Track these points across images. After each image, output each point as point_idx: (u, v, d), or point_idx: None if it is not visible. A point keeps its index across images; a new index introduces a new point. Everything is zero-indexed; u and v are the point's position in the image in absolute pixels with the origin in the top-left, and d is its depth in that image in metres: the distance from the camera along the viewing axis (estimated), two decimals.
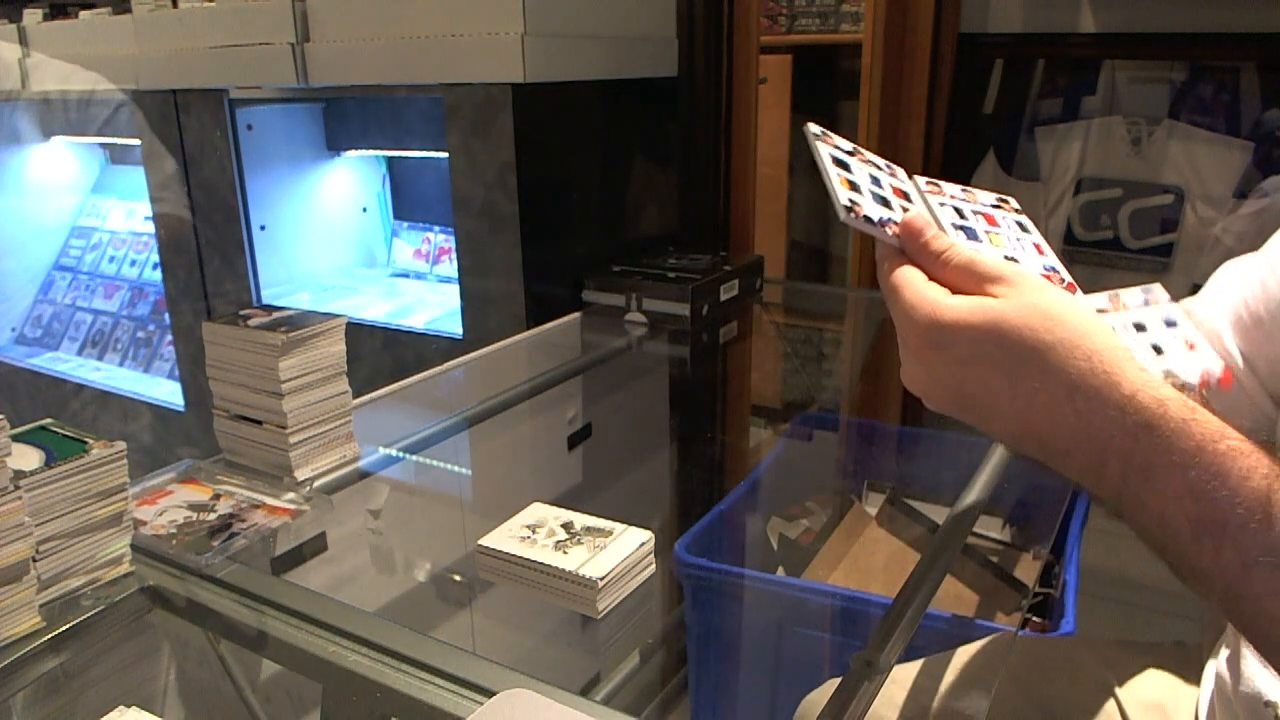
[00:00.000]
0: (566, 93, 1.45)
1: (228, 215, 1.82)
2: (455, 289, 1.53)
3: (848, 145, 0.62)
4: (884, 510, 1.46)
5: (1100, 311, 0.59)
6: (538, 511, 0.86)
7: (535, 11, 1.34)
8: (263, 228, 1.87)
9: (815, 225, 2.31)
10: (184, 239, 1.90)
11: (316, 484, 0.93)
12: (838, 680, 0.61)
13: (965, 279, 0.53)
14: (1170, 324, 0.60)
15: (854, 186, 0.57)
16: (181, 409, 2.07)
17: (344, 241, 2.10)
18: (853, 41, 2.04)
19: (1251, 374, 0.68)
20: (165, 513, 0.84)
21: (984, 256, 0.53)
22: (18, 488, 0.65)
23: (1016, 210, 0.68)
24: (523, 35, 1.33)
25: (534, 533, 0.83)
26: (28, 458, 0.70)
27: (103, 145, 2.58)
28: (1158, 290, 0.62)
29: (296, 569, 0.91)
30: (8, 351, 2.53)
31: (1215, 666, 0.72)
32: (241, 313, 0.95)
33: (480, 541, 0.82)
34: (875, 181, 0.59)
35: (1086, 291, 0.60)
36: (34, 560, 0.67)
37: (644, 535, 0.82)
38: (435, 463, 1.12)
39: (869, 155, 0.63)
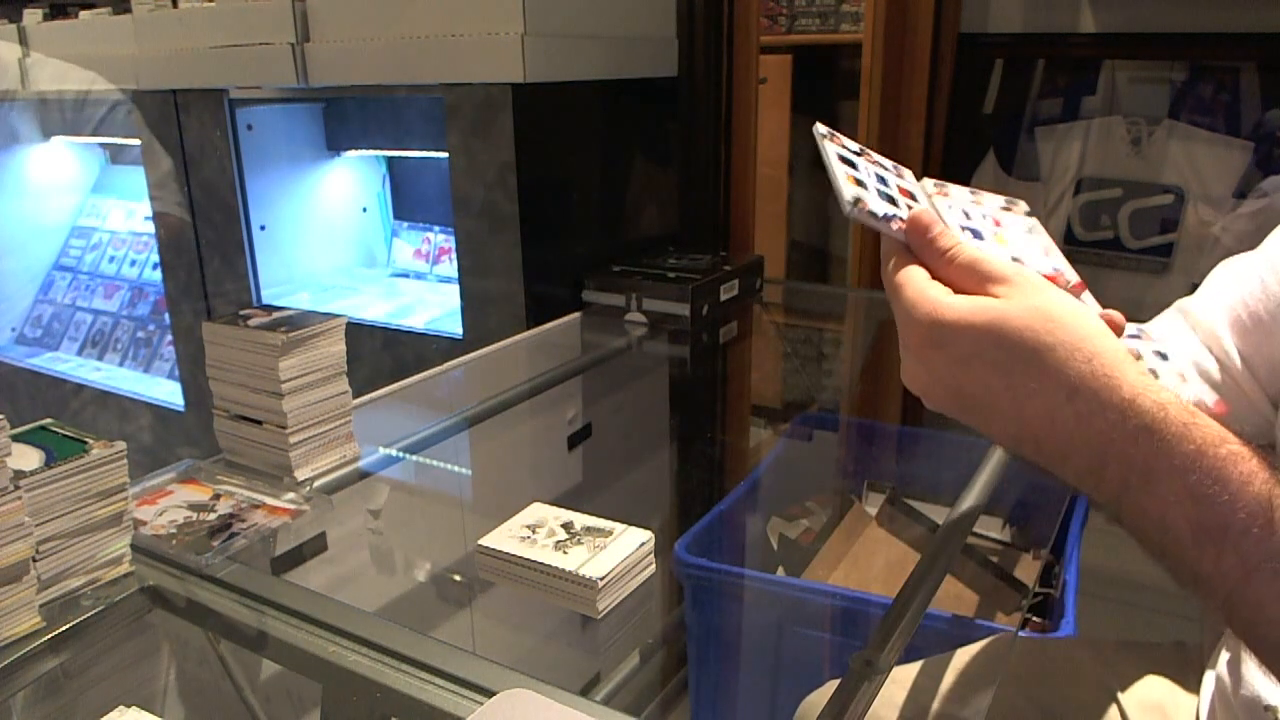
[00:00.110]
0: (566, 93, 1.45)
1: (228, 215, 1.82)
2: (455, 289, 1.53)
3: (855, 146, 0.62)
4: (884, 510, 1.46)
5: (1132, 338, 0.60)
6: (538, 511, 0.86)
7: (535, 11, 1.34)
8: (263, 228, 1.87)
9: (815, 225, 2.31)
10: (184, 239, 1.90)
11: (316, 484, 0.93)
12: (838, 681, 0.61)
13: (968, 278, 0.53)
14: (1163, 357, 0.61)
15: (860, 184, 0.57)
16: (181, 409, 2.07)
17: (344, 241, 2.10)
18: (853, 41, 2.04)
19: (1250, 375, 0.67)
20: (165, 513, 0.84)
21: (989, 256, 0.53)
22: (18, 488, 0.65)
23: (1026, 213, 0.68)
24: (523, 35, 1.33)
25: (534, 533, 0.83)
26: (28, 458, 0.70)
27: (102, 145, 2.58)
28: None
29: (296, 569, 0.91)
30: (8, 351, 2.53)
31: (1215, 670, 0.72)
32: (241, 313, 0.95)
33: (480, 541, 0.82)
34: (882, 181, 0.59)
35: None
36: (34, 560, 0.67)
37: (644, 535, 0.82)
38: (435, 463, 1.12)
39: (877, 157, 0.63)
